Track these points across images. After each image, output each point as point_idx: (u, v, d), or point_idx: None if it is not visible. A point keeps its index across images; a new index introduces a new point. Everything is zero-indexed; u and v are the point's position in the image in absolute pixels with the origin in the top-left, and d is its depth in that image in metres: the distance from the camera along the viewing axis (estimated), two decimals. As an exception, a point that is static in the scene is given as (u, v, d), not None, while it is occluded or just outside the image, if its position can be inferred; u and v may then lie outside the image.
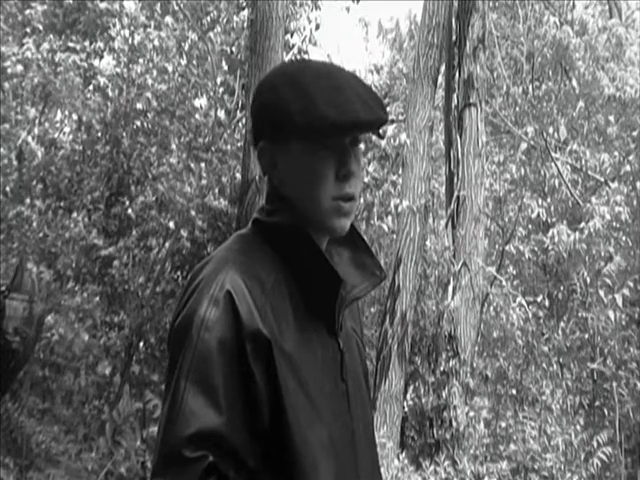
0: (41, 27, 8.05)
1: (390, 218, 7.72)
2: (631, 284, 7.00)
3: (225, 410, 1.33)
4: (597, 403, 7.28)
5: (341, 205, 1.42)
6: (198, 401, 1.33)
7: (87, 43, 8.52)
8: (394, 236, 7.80)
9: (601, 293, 7.01)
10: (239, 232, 1.53)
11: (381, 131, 1.50)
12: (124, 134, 8.05)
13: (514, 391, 7.31)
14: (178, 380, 1.36)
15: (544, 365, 7.26)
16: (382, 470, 1.65)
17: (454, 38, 8.01)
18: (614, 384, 6.86)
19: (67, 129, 8.34)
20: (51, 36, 7.78)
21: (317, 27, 10.12)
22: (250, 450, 1.35)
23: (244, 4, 9.38)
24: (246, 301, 1.36)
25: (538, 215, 7.88)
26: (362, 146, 1.48)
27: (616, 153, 8.10)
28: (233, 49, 9.53)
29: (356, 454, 1.45)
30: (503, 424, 6.80)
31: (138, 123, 8.19)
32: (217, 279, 1.39)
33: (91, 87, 8.39)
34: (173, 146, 8.26)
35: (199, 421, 1.32)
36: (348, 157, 1.41)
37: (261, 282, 1.40)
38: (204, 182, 8.02)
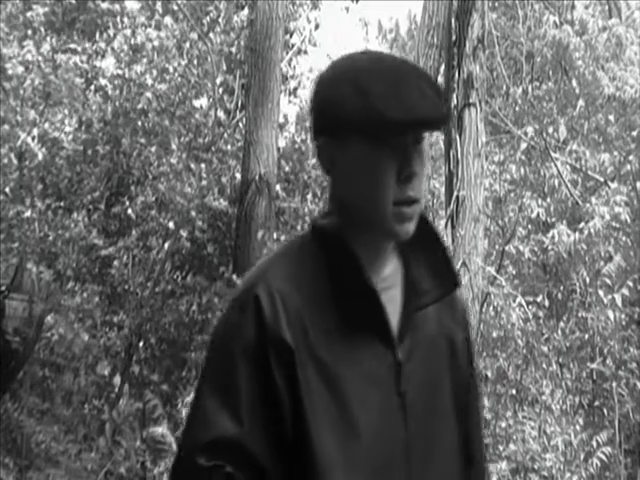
0: (42, 29, 8.06)
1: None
2: (631, 284, 6.99)
3: (246, 418, 1.29)
4: (597, 403, 7.28)
5: (403, 210, 1.34)
6: (217, 407, 1.30)
7: (88, 44, 8.53)
8: (394, 236, 7.78)
9: (601, 293, 7.01)
10: (299, 234, 1.50)
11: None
12: (124, 134, 8.05)
13: (514, 391, 7.30)
14: (201, 385, 1.35)
15: (544, 365, 7.26)
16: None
17: (454, 38, 8.00)
18: (614, 384, 6.85)
19: (67, 129, 8.34)
20: (49, 37, 7.78)
21: (317, 27, 10.14)
22: (270, 460, 1.29)
23: (244, 4, 9.38)
24: (274, 307, 1.31)
25: (538, 215, 7.87)
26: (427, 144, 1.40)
27: (616, 153, 8.10)
28: (233, 49, 9.52)
29: (410, 470, 1.35)
30: (503, 424, 6.80)
31: (138, 123, 8.20)
32: (250, 284, 1.36)
33: (92, 87, 8.40)
34: (173, 146, 8.26)
35: (216, 428, 1.29)
36: (410, 157, 1.33)
37: (299, 288, 1.34)
38: (204, 182, 8.02)
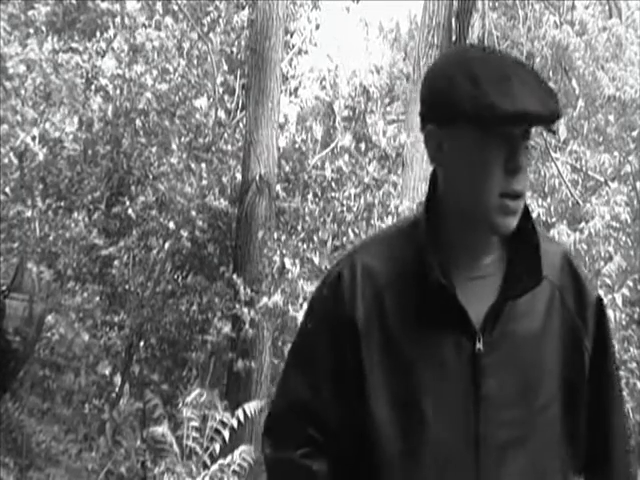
0: (44, 28, 8.06)
1: (390, 218, 7.73)
2: (631, 284, 7.00)
3: (322, 387, 1.39)
4: (597, 403, 7.27)
5: (507, 203, 1.34)
6: (299, 376, 1.42)
7: (89, 44, 8.53)
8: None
9: (601, 293, 7.01)
10: (407, 216, 1.59)
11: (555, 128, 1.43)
12: (125, 134, 8.05)
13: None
14: (289, 353, 1.49)
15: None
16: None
17: (454, 38, 8.01)
18: (614, 384, 6.85)
19: (68, 129, 8.34)
20: (50, 37, 7.79)
21: (317, 27, 10.15)
22: (341, 428, 1.38)
23: (244, 4, 9.39)
24: (353, 285, 1.39)
25: (538, 215, 7.88)
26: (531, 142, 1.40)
27: (616, 153, 8.11)
28: (233, 49, 9.53)
29: (479, 461, 1.35)
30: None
31: (139, 123, 8.20)
32: (341, 261, 1.45)
33: (93, 87, 8.40)
34: (173, 146, 8.26)
35: (296, 395, 1.41)
36: (519, 150, 1.34)
37: (385, 268, 1.40)
38: (204, 182, 8.02)
